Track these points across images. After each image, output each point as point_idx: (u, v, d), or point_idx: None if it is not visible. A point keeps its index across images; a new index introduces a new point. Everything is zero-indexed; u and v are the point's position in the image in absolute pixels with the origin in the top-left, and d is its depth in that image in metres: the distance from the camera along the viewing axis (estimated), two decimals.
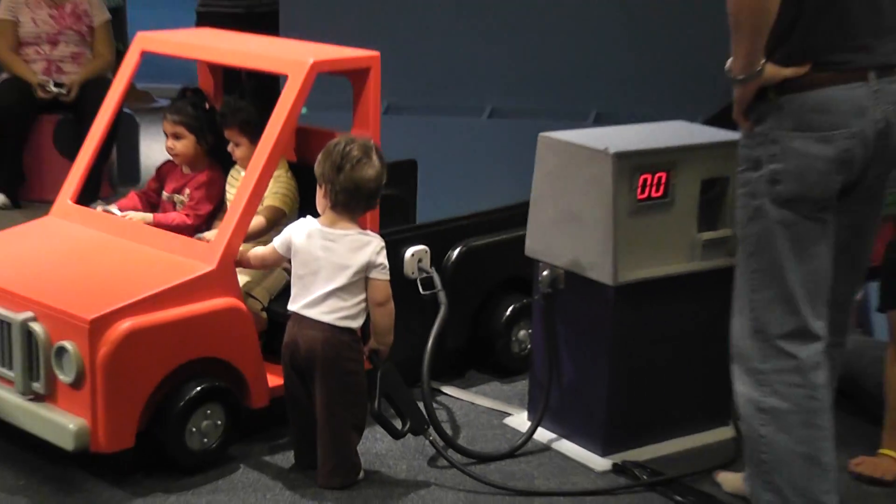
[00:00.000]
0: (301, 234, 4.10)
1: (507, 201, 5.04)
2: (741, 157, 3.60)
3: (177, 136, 4.89)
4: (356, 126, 4.58)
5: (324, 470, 4.12)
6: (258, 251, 4.28)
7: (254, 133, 4.59)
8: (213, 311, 4.19)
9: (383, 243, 4.08)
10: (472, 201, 5.12)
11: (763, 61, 3.43)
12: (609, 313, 4.25)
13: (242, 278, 4.47)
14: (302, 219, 4.17)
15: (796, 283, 3.53)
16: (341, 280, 4.02)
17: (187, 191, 4.91)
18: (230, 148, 4.79)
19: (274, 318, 4.56)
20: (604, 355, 4.30)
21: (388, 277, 4.08)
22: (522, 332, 5.03)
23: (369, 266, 4.03)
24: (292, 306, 4.11)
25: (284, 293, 4.48)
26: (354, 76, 4.59)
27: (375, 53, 4.60)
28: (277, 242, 4.17)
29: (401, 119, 6.11)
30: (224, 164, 4.95)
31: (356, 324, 4.06)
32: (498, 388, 4.98)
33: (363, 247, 4.04)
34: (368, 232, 4.12)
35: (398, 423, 4.22)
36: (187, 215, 4.82)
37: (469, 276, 4.91)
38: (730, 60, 3.50)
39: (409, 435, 4.24)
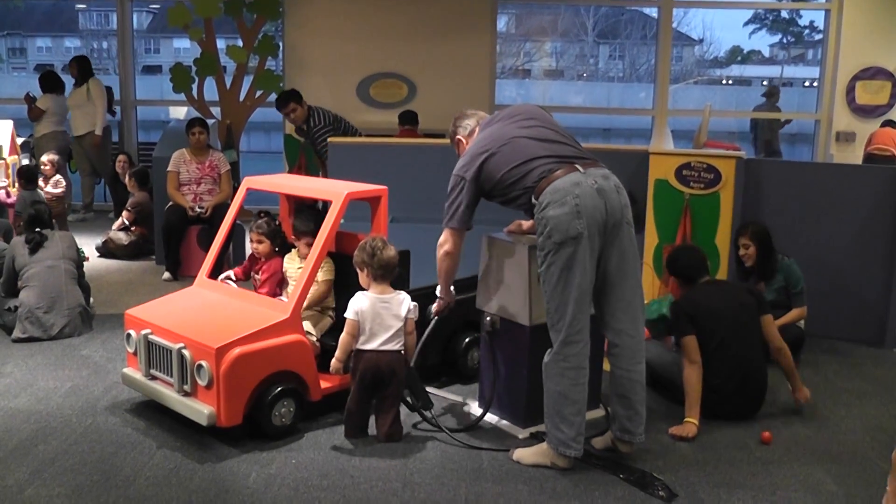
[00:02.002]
0: (364, 303, 4.07)
1: (464, 275, 4.99)
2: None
3: (259, 242, 4.92)
4: (374, 230, 4.57)
5: (388, 431, 4.12)
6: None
7: (311, 237, 4.59)
8: (287, 343, 4.16)
9: (410, 298, 4.13)
10: None
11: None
12: (526, 342, 4.20)
13: (305, 323, 4.44)
14: (358, 293, 4.12)
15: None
16: (398, 324, 4.06)
17: (261, 273, 4.95)
18: (297, 244, 4.76)
19: (324, 347, 4.52)
20: (524, 366, 4.25)
21: (415, 317, 4.12)
22: (475, 354, 4.96)
23: (408, 312, 4.09)
24: (369, 346, 4.05)
25: (329, 332, 4.50)
26: (372, 201, 4.59)
27: (384, 188, 4.59)
28: (349, 313, 4.08)
29: (401, 226, 6.09)
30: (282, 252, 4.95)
31: (404, 347, 4.12)
32: (460, 388, 4.91)
33: (403, 301, 4.09)
34: (401, 292, 4.15)
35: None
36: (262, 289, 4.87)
37: (442, 320, 4.82)
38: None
39: (418, 411, 4.24)
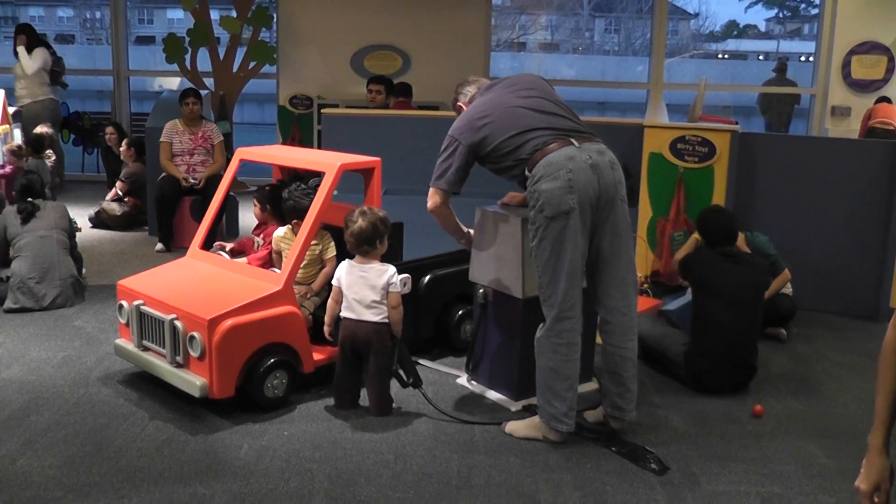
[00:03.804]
0: (343, 269, 4.08)
1: (457, 248, 4.98)
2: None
3: (256, 206, 5.08)
4: (366, 203, 4.52)
5: (377, 405, 4.10)
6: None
7: (302, 214, 4.55)
8: (280, 314, 4.13)
9: (394, 269, 4.06)
10: (436, 247, 5.07)
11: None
12: (519, 314, 4.19)
13: (298, 296, 4.41)
14: (343, 262, 4.13)
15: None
16: (374, 295, 4.00)
17: (262, 237, 5.00)
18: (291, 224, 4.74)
19: (317, 319, 4.49)
20: (517, 339, 4.24)
21: (398, 290, 4.05)
22: (468, 327, 4.95)
23: (388, 284, 4.01)
24: (347, 314, 4.05)
25: (322, 305, 4.47)
26: (365, 172, 4.57)
27: (377, 159, 4.57)
28: (334, 279, 4.12)
29: (395, 198, 6.08)
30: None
31: (387, 320, 4.05)
32: (452, 360, 4.90)
33: (385, 273, 4.03)
34: (384, 264, 4.10)
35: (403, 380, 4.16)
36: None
37: (435, 293, 4.85)
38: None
39: (410, 388, 4.18)
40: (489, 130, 3.86)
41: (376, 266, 4.06)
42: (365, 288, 4.03)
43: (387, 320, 4.04)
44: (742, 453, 3.86)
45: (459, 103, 4.26)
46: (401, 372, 4.10)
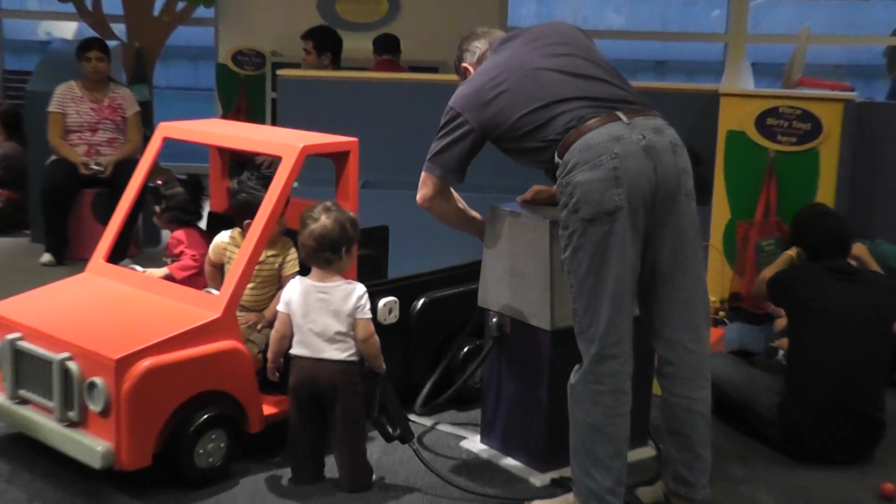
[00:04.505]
0: (296, 290, 4.07)
1: (463, 260, 5.00)
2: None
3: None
4: (338, 198, 4.54)
5: (349, 477, 4.10)
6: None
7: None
8: (218, 351, 4.13)
9: (363, 288, 4.07)
10: (434, 260, 5.08)
11: None
12: (547, 353, 4.19)
13: (243, 326, 4.43)
14: (293, 279, 4.14)
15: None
16: (338, 325, 4.01)
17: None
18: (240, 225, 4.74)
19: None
20: (543, 387, 4.24)
21: (368, 317, 4.06)
22: (478, 369, 4.93)
23: (355, 309, 4.02)
24: (301, 350, 4.06)
25: None
26: (337, 158, 4.58)
27: (354, 140, 4.58)
28: (280, 305, 4.12)
29: (376, 192, 6.10)
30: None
31: (357, 357, 4.06)
32: (455, 415, 4.91)
33: (351, 294, 4.04)
34: (351, 281, 4.10)
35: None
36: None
37: (431, 322, 4.86)
38: None
39: (398, 443, 4.18)
40: (504, 103, 3.87)
41: (341, 284, 4.06)
42: (326, 315, 4.02)
43: (356, 357, 4.04)
44: None
45: (465, 64, 4.27)
46: (383, 420, 4.09)
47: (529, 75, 3.89)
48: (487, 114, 3.90)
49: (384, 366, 4.12)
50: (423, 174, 4.07)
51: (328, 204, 4.15)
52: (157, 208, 5.28)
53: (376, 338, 4.08)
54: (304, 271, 4.34)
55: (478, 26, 4.41)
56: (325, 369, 4.03)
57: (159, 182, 5.33)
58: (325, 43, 8.19)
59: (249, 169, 4.84)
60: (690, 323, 3.82)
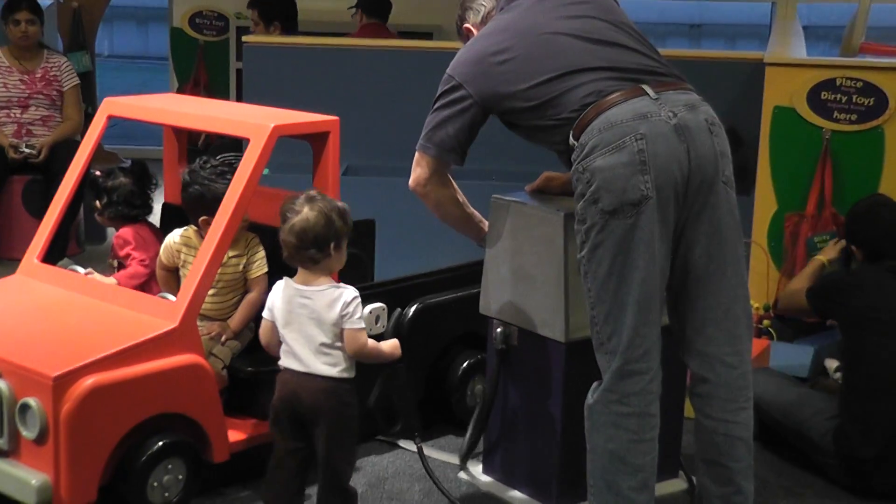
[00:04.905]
0: (279, 296, 4.07)
1: (462, 260, 5.03)
2: None
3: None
4: (316, 186, 4.54)
5: None
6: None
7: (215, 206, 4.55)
8: (175, 367, 4.15)
9: (355, 293, 4.02)
10: (428, 260, 5.11)
11: None
12: (560, 369, 4.22)
13: (205, 337, 4.45)
14: (279, 281, 4.12)
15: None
16: (322, 336, 3.99)
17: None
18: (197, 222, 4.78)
19: (235, 374, 4.53)
20: (555, 408, 4.27)
21: (358, 326, 4.01)
22: (478, 387, 4.98)
23: (342, 318, 3.99)
24: (286, 363, 4.05)
25: (246, 352, 4.58)
26: (314, 140, 4.59)
27: (334, 118, 4.59)
28: (265, 311, 4.12)
29: (360, 180, 6.11)
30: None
31: (351, 373, 4.03)
32: (453, 441, 4.93)
33: (336, 300, 3.99)
34: (340, 284, 4.07)
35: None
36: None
37: (425, 333, 4.87)
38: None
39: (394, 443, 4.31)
40: (511, 71, 3.89)
41: (326, 289, 4.07)
42: (309, 323, 4.02)
43: (349, 374, 4.06)
44: None
45: (467, 24, 4.30)
46: (378, 413, 4.16)
47: (541, 40, 3.91)
48: (491, 84, 3.93)
49: (395, 355, 4.13)
50: (416, 154, 4.09)
51: (312, 193, 4.08)
52: (98, 203, 5.24)
53: (370, 349, 4.05)
54: (281, 272, 4.36)
55: None
56: (309, 385, 4.00)
57: (98, 172, 5.30)
58: (270, 10, 8.17)
59: (212, 153, 4.86)
60: (729, 333, 3.85)
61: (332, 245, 4.02)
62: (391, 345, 4.14)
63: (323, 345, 3.99)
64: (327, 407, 4.00)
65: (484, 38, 4.04)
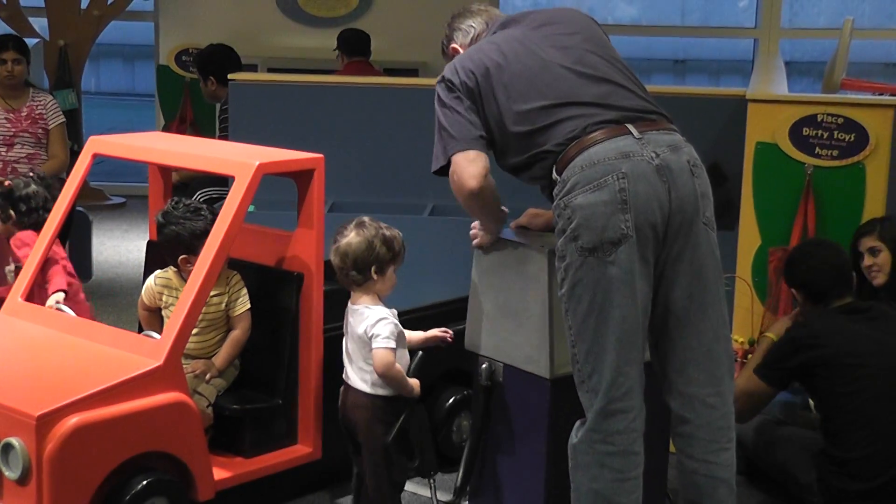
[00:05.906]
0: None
1: (447, 296, 5.03)
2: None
3: None
4: (301, 224, 4.59)
5: None
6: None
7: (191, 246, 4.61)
8: (159, 405, 4.15)
9: (382, 314, 4.21)
10: (412, 296, 5.09)
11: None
12: (545, 405, 4.21)
13: (189, 375, 4.45)
14: None
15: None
16: (361, 352, 4.23)
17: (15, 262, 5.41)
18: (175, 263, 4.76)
19: (220, 412, 4.54)
20: (541, 445, 4.26)
21: (384, 346, 4.16)
22: (464, 423, 4.98)
23: (371, 338, 4.18)
24: (344, 377, 4.32)
25: (231, 390, 4.63)
26: (299, 177, 4.60)
27: (319, 156, 4.62)
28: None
29: (346, 217, 6.09)
30: None
31: (386, 391, 4.19)
32: (440, 478, 4.90)
33: (365, 320, 4.21)
34: (374, 306, 4.25)
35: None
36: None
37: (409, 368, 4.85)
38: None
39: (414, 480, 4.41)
40: (507, 84, 3.85)
41: (361, 308, 4.24)
42: (351, 340, 4.25)
43: (383, 392, 4.18)
44: None
45: (455, 45, 4.26)
46: (392, 450, 4.17)
47: (535, 64, 3.88)
48: (488, 84, 3.87)
49: (414, 393, 4.24)
50: (454, 161, 3.86)
51: (363, 219, 4.31)
52: (13, 213, 5.37)
53: (396, 370, 4.18)
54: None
55: (473, 2, 4.38)
56: (351, 399, 4.25)
57: (8, 183, 5.42)
58: (205, 66, 8.12)
59: (194, 187, 4.86)
60: (710, 374, 3.84)
61: (372, 269, 4.24)
62: (415, 381, 4.28)
63: (360, 361, 4.23)
64: (362, 422, 4.20)
65: (478, 51, 4.00)
